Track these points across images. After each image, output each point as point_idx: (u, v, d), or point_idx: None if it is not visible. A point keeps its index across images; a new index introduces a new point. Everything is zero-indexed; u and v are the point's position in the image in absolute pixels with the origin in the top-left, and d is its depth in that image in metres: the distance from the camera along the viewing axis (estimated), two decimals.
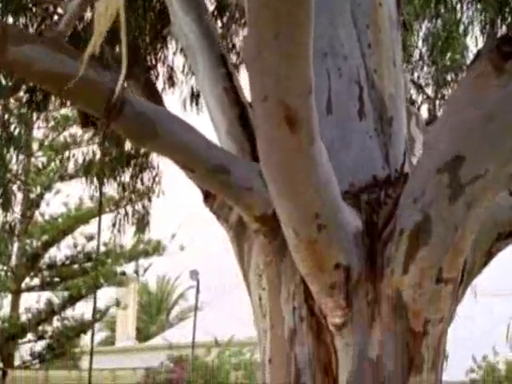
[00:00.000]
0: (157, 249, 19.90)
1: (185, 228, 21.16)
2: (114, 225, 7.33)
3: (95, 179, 7.91)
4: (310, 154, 2.99)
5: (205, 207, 4.16)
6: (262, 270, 3.79)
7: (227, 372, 15.01)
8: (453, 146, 3.04)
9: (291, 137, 2.86)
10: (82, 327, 18.49)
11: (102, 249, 19.79)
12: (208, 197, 4.18)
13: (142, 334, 35.66)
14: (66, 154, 16.94)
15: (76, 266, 19.31)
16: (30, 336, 18.40)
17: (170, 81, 7.05)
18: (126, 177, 7.48)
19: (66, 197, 19.19)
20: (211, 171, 3.47)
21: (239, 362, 15.19)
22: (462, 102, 3.08)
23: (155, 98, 5.22)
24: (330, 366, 3.42)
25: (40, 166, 17.90)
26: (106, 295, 21.68)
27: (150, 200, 7.74)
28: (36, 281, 19.02)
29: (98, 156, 8.15)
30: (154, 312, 40.35)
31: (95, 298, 19.28)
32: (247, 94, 4.04)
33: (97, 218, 19.00)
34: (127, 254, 19.86)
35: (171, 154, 3.48)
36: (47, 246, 18.24)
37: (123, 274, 20.30)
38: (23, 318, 18.14)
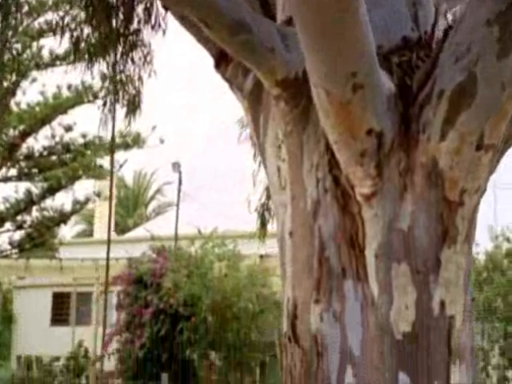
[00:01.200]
0: (136, 141, 19.56)
1: (165, 120, 20.77)
2: (104, 104, 7.00)
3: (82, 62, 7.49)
4: (350, 5, 2.72)
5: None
6: (282, 141, 3.56)
7: (211, 262, 15.08)
8: None
9: None
10: (62, 218, 18.37)
11: (81, 140, 19.45)
12: (220, 63, 3.88)
13: (119, 228, 35.78)
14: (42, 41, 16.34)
15: (54, 158, 18.98)
16: (8, 226, 18.25)
17: None
18: (115, 57, 7.11)
19: (42, 86, 18.64)
20: (231, 27, 3.17)
21: (223, 253, 15.24)
22: None
23: None
24: (357, 239, 3.25)
25: (14, 52, 17.22)
26: (84, 188, 21.50)
27: (141, 81, 7.39)
28: (13, 171, 18.69)
29: (84, 36, 7.69)
30: (131, 206, 40.41)
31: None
32: None
33: (75, 109, 18.56)
34: (107, 145, 19.51)
35: (189, 4, 3.16)
36: (25, 135, 17.82)
37: (100, 167, 20.01)
38: (1, 207, 17.95)
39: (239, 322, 14.34)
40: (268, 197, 7.12)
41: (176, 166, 18.95)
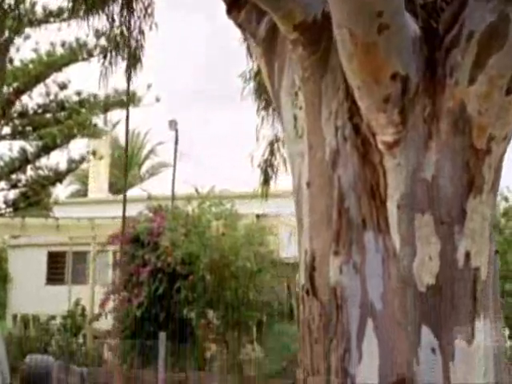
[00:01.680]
0: (132, 99, 19.27)
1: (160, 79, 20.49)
2: (104, 57, 6.81)
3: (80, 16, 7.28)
4: None
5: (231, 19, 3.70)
6: (299, 88, 3.43)
7: (208, 221, 14.99)
8: None
9: None
10: (57, 177, 18.18)
11: (75, 98, 19.15)
12: (232, 8, 3.73)
13: (114, 188, 35.59)
14: None
15: (49, 116, 18.71)
16: (3, 184, 18.07)
17: None
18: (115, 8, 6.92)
19: (35, 44, 18.29)
20: None
21: (220, 213, 15.13)
22: None
23: None
24: (378, 189, 3.14)
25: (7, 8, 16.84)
26: (78, 148, 21.30)
27: (142, 33, 7.19)
28: (7, 130, 18.43)
29: None
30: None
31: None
32: None
33: (70, 67, 18.26)
34: (102, 103, 19.24)
35: None
36: (18, 93, 17.54)
37: (95, 125, 19.74)
38: None
39: (237, 281, 14.31)
40: (271, 153, 7.00)
41: (173, 124, 18.71)
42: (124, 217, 14.06)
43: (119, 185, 36.95)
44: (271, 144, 6.99)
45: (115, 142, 37.92)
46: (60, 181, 18.46)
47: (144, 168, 42.84)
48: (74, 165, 18.16)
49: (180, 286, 14.69)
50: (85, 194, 34.27)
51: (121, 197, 28.40)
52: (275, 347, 14.45)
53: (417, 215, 2.99)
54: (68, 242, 19.88)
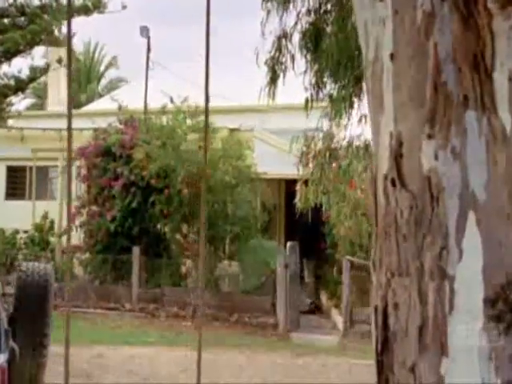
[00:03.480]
0: (97, 5, 18.23)
1: None
2: None
3: None
4: None
5: None
6: None
7: (184, 133, 14.39)
8: None
9: None
10: (19, 85, 17.24)
11: (37, 2, 18.05)
12: None
13: (73, 102, 34.45)
14: None
15: (7, 20, 17.61)
16: None
17: None
18: None
19: None
20: None
21: (196, 124, 14.52)
22: None
23: None
24: (483, 58, 2.63)
25: None
26: (38, 57, 20.23)
27: None
28: None
29: None
30: (84, 80, 38.86)
31: None
32: None
33: None
34: (64, 9, 18.13)
35: None
36: None
37: (58, 32, 18.66)
38: None
39: (214, 195, 13.86)
40: (279, 49, 6.43)
41: (144, 31, 17.80)
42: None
43: (77, 99, 35.83)
44: (278, 39, 6.43)
45: (73, 55, 36.52)
46: (22, 90, 17.52)
47: (103, 82, 41.58)
48: (37, 72, 17.19)
49: (155, 200, 14.20)
50: (41, 108, 33.15)
51: (86, 109, 27.57)
52: (252, 262, 14.18)
53: None
54: (31, 157, 19.05)
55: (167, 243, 14.69)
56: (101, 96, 37.35)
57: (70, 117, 2.31)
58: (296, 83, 6.65)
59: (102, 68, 41.95)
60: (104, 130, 15.26)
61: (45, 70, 17.34)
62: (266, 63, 6.51)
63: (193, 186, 13.71)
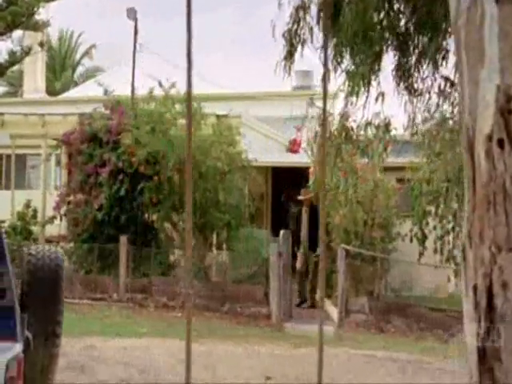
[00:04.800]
0: None
1: None
2: None
3: None
4: None
5: None
6: None
7: (174, 118, 13.99)
8: None
9: None
10: None
11: None
12: None
13: (48, 91, 33.76)
14: None
15: None
16: None
17: None
18: None
19: None
20: None
21: (184, 111, 14.10)
22: None
23: None
24: None
25: None
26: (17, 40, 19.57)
27: None
28: None
29: None
30: (58, 68, 38.10)
31: None
32: None
33: None
34: None
35: None
36: None
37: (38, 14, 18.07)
38: None
39: (206, 182, 13.49)
40: (297, 22, 6.10)
41: (132, 13, 17.31)
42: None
43: (52, 87, 35.10)
44: (296, 10, 6.09)
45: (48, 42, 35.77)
46: (1, 74, 16.95)
47: (79, 71, 40.84)
48: (18, 56, 16.63)
49: (143, 188, 13.78)
50: (15, 96, 32.39)
51: (65, 96, 26.92)
52: (244, 251, 13.85)
53: None
54: (10, 145, 18.45)
55: (156, 232, 14.30)
56: (76, 84, 36.65)
57: None
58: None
59: (77, 56, 41.19)
60: (89, 115, 14.79)
61: (26, 53, 16.79)
62: (283, 35, 6.18)
63: (184, 172, 13.32)
